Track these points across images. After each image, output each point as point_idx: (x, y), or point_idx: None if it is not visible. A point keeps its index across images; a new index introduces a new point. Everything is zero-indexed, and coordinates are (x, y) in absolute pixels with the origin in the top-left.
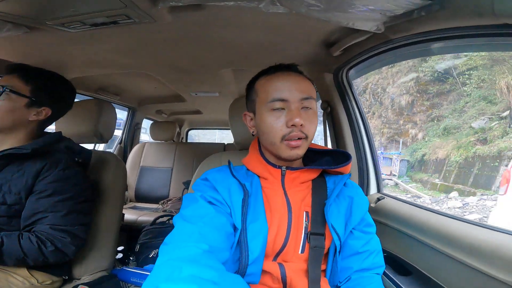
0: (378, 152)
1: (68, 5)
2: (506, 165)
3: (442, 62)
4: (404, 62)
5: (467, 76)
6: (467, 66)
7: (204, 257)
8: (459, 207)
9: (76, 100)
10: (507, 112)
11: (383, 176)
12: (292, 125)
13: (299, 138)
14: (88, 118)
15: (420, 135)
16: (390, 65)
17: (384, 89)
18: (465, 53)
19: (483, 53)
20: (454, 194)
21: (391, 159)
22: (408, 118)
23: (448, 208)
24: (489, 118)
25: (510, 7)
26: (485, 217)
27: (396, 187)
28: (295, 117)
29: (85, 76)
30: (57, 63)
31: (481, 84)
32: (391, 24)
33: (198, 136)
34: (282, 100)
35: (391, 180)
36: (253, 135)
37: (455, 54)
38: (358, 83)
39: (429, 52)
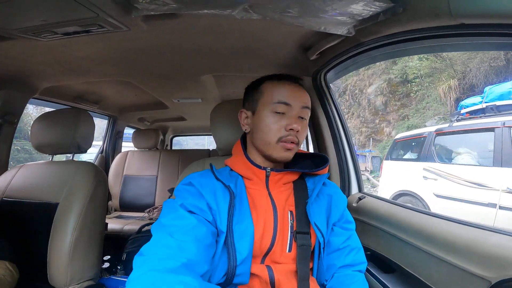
0: None
1: (37, 15)
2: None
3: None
4: (378, 64)
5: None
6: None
7: (182, 269)
8: None
9: (52, 109)
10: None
11: None
12: (290, 129)
13: (292, 142)
14: (65, 127)
15: (393, 133)
16: (366, 68)
17: (361, 90)
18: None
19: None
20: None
21: (365, 156)
22: (382, 117)
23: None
24: (440, 117)
25: (465, 7)
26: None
27: (367, 180)
28: (294, 123)
29: (62, 84)
30: (31, 72)
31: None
32: (361, 27)
33: (186, 142)
34: (286, 104)
35: (364, 175)
36: (245, 132)
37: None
38: (339, 85)
39: (399, 54)
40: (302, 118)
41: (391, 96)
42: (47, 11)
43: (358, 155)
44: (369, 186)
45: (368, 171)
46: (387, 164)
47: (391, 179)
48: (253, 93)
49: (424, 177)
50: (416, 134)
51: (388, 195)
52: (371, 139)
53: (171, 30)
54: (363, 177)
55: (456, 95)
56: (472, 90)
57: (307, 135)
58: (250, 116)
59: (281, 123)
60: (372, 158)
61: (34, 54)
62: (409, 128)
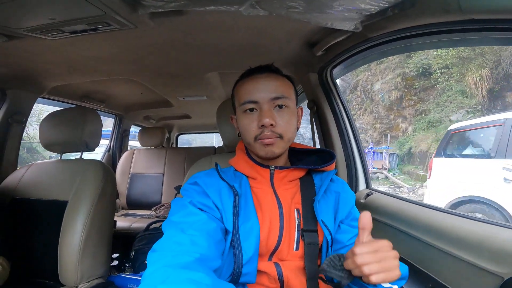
0: (368, 147)
1: (45, 14)
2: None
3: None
4: (391, 58)
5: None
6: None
7: (196, 264)
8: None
9: (60, 108)
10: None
11: (375, 170)
12: (262, 126)
13: (271, 137)
14: (73, 126)
15: (410, 129)
16: (378, 62)
17: (374, 85)
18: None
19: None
20: (427, 183)
21: (382, 153)
22: (398, 112)
23: (419, 194)
24: (466, 111)
25: (475, 2)
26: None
27: (386, 179)
28: (264, 118)
29: (69, 83)
30: (38, 72)
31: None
32: (368, 22)
33: (195, 141)
34: (253, 101)
35: (382, 173)
36: (238, 136)
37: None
38: (349, 80)
39: (406, 49)
40: (281, 106)
41: (406, 90)
42: (55, 9)
43: (374, 152)
44: (392, 187)
45: (386, 168)
46: (439, 163)
47: (448, 182)
48: (232, 97)
49: (505, 179)
50: (483, 123)
51: (443, 203)
52: (388, 135)
53: (177, 27)
54: (381, 176)
55: (489, 86)
56: (506, 80)
57: (313, 130)
58: (235, 119)
59: (254, 122)
60: (389, 155)
61: (41, 53)
62: (430, 124)
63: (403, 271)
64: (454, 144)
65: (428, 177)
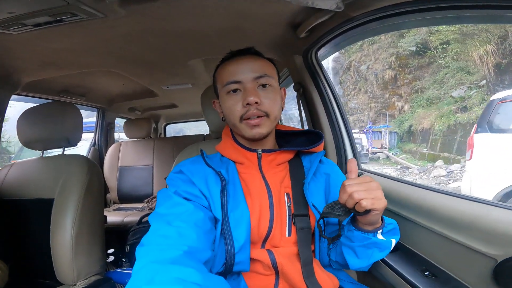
0: (367, 126)
1: (2, 7)
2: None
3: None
4: (383, 38)
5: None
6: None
7: (184, 258)
8: (444, 175)
9: (36, 104)
10: (484, 81)
11: (375, 150)
12: (248, 104)
13: (258, 117)
14: (52, 122)
15: (406, 107)
16: (371, 42)
17: (367, 65)
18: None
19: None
20: (439, 162)
21: (380, 132)
22: (393, 91)
23: (434, 177)
24: (467, 87)
25: None
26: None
27: (387, 159)
28: (249, 96)
29: (44, 78)
30: (8, 67)
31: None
32: (350, 1)
33: (190, 129)
34: (236, 82)
35: (383, 153)
36: (223, 120)
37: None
38: (342, 61)
39: (390, 28)
40: (265, 86)
41: (400, 69)
42: (12, 2)
43: (372, 131)
44: (399, 167)
45: (386, 148)
46: (483, 140)
47: (497, 164)
48: (213, 82)
49: None
50: None
51: (492, 192)
52: (387, 114)
53: (152, 14)
54: (382, 156)
55: (495, 61)
56: None
57: (301, 112)
58: (218, 103)
59: (238, 102)
60: (389, 134)
61: (8, 48)
62: (429, 101)
63: (395, 224)
64: (502, 116)
65: (468, 158)
